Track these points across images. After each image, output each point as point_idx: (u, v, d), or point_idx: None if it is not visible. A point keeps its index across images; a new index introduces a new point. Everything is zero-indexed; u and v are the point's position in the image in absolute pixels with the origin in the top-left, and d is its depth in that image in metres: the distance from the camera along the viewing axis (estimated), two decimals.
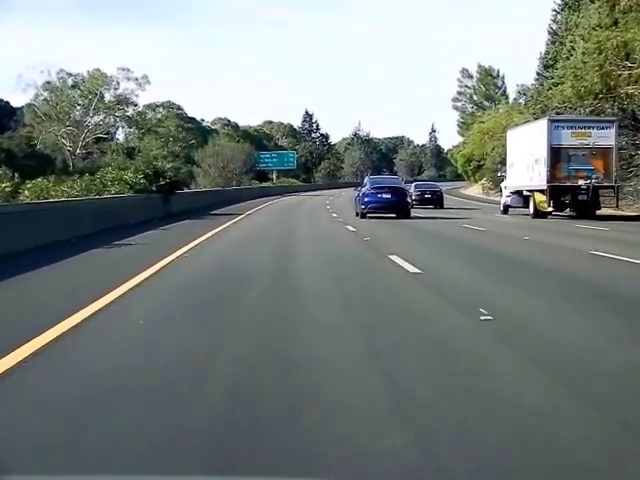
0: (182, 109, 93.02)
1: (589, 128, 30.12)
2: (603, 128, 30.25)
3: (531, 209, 31.08)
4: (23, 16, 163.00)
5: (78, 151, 69.09)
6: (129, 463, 3.58)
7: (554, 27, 55.29)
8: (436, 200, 43.34)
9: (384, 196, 28.86)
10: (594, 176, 29.50)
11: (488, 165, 62.28)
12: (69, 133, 69.30)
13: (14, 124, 73.91)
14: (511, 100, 76.64)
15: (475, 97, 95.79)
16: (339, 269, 12.03)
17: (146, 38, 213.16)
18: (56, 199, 20.90)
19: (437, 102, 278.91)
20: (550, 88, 48.16)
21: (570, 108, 40.79)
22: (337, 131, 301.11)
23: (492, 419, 4.21)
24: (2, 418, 4.28)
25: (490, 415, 4.28)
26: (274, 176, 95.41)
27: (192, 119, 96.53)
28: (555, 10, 55.62)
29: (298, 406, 4.39)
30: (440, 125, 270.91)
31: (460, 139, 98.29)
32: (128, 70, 72.94)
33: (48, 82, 69.58)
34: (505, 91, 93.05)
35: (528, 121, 41.84)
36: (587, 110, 37.77)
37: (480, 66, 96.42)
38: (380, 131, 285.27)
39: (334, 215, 31.66)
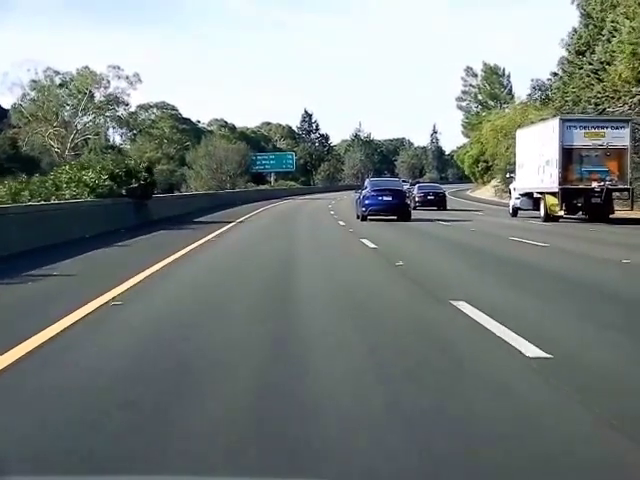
0: (177, 110, 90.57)
1: (603, 128, 29.00)
2: (617, 128, 29.11)
3: (542, 212, 30.06)
4: (24, 18, 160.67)
5: (67, 153, 66.35)
6: None
7: (587, 9, 51.15)
8: (439, 202, 43.28)
9: (384, 199, 28.97)
10: (608, 178, 28.40)
11: (502, 166, 58.74)
12: (57, 134, 66.52)
13: (1, 126, 71.41)
14: (524, 96, 73.10)
15: (480, 96, 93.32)
16: (384, 341, 6.30)
17: (143, 39, 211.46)
18: None
19: (438, 103, 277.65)
20: (589, 75, 44.61)
21: (612, 98, 38.01)
22: (337, 133, 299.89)
23: None
24: None
25: None
26: (272, 179, 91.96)
27: (187, 120, 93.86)
28: None
29: None
30: (441, 127, 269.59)
31: (464, 140, 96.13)
32: (118, 68, 70.03)
33: (34, 81, 67.03)
34: (511, 90, 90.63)
35: (545, 119, 39.51)
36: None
37: (485, 64, 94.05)
38: (380, 132, 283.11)
39: (341, 223, 27.06)
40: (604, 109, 40.50)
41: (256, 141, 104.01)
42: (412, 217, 29.53)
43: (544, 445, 3.78)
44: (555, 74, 55.75)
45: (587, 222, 28.30)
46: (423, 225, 26.14)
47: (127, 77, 69.48)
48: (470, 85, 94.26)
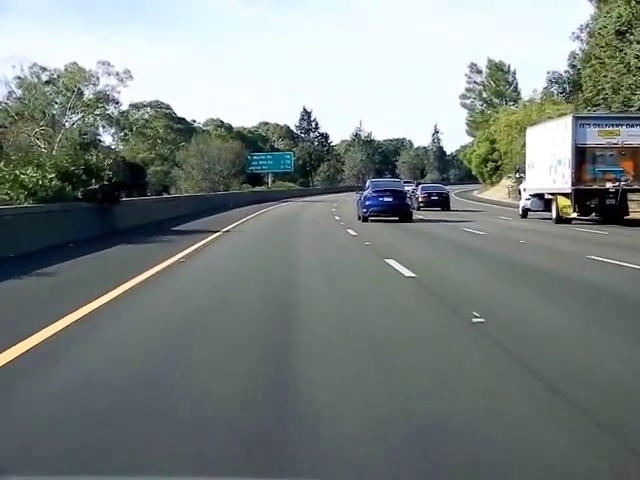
0: (171, 109, 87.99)
1: (617, 126, 28.31)
2: (633, 126, 28.38)
3: (553, 214, 29.49)
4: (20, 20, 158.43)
5: (54, 153, 63.76)
6: None
7: None
8: (442, 202, 43.30)
9: (386, 199, 29.18)
10: (623, 178, 27.89)
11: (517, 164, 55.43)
12: (44, 134, 63.87)
13: None
14: (530, 93, 70.05)
15: (485, 94, 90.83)
16: None
17: (139, 39, 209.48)
18: None
19: (439, 103, 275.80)
20: (638, 56, 40.93)
21: None
22: (336, 133, 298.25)
23: None
24: None
25: None
26: (269, 180, 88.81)
27: (182, 120, 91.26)
28: None
29: None
30: (443, 127, 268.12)
31: (468, 139, 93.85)
32: (108, 64, 67.03)
33: (20, 77, 64.49)
34: (517, 87, 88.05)
35: (563, 114, 37.37)
36: None
37: (490, 60, 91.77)
38: (380, 133, 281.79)
39: (352, 233, 22.16)
40: None
41: (253, 141, 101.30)
42: (438, 220, 27.92)
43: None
44: (573, 66, 52.60)
45: (600, 224, 27.38)
46: (454, 235, 22.10)
47: (117, 73, 66.67)
48: (474, 82, 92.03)
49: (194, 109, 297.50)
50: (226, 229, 24.26)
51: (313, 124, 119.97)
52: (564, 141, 28.57)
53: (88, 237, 18.48)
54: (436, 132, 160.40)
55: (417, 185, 55.48)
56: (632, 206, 30.52)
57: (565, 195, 28.52)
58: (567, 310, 8.41)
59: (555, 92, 60.09)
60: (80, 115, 67.37)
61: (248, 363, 5.75)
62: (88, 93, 67.11)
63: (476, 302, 8.57)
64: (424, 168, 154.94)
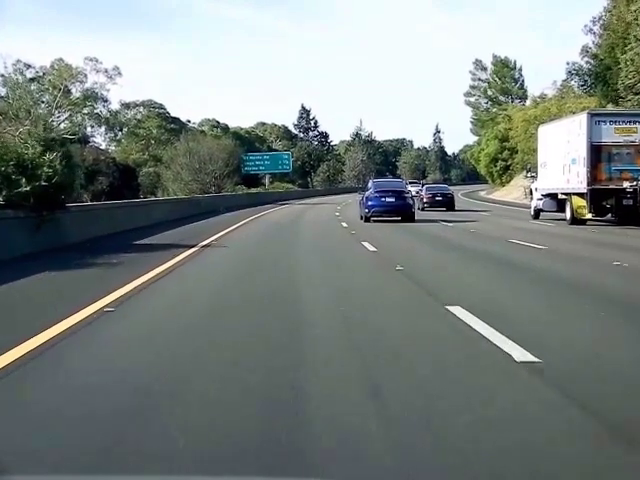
0: (164, 108, 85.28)
1: (634, 123, 27.42)
2: None
3: (568, 215, 28.61)
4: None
5: None
6: None
7: None
8: (447, 202, 43.33)
9: (388, 200, 29.31)
10: None
11: (535, 162, 51.46)
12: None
13: None
14: (537, 91, 66.92)
15: (490, 91, 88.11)
16: None
17: (136, 39, 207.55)
18: None
19: (441, 103, 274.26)
20: None
21: None
22: (336, 134, 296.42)
23: None
24: None
25: None
26: (267, 181, 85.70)
27: (176, 119, 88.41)
28: None
29: None
30: (444, 127, 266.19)
31: (473, 138, 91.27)
32: (97, 61, 64.13)
33: (2, 75, 61.85)
34: (523, 84, 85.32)
35: (584, 109, 35.24)
36: None
37: (495, 57, 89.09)
38: (381, 133, 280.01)
39: (370, 248, 17.11)
40: None
41: (250, 142, 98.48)
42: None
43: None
44: (595, 56, 49.62)
45: (616, 225, 26.80)
46: (496, 250, 17.10)
47: (106, 70, 63.97)
48: (479, 79, 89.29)
49: (189, 110, 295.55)
50: (206, 242, 18.95)
51: (312, 123, 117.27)
52: (579, 139, 27.61)
53: (12, 258, 14.27)
54: (437, 132, 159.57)
55: (422, 186, 55.38)
56: None
57: (580, 195, 27.54)
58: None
59: (575, 85, 57.17)
60: (67, 114, 64.61)
61: None
62: (75, 91, 64.47)
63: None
64: (425, 169, 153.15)
